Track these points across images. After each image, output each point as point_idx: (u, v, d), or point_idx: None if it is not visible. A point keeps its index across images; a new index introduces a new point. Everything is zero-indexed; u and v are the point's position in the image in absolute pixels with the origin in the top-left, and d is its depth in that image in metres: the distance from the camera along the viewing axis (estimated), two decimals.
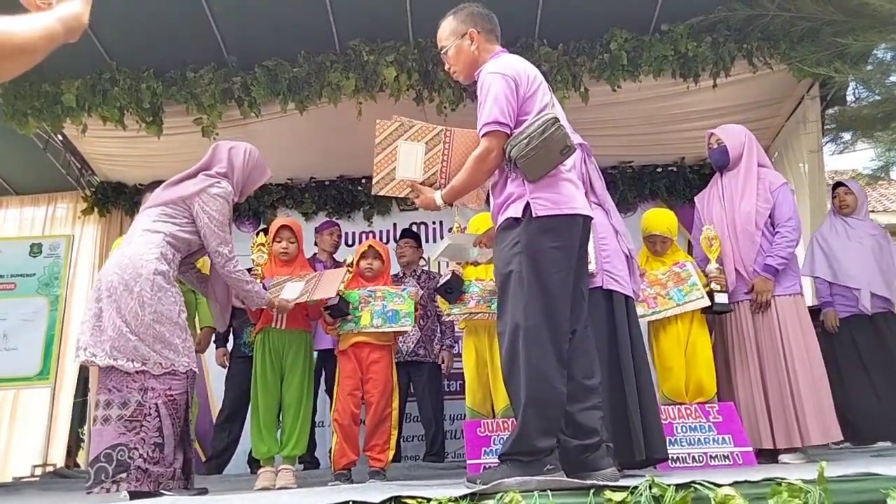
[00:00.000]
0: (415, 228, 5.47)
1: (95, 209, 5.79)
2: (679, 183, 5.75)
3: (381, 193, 2.43)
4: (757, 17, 4.17)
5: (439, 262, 5.27)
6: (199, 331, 3.99)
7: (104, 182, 5.82)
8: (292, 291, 3.07)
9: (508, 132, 2.15)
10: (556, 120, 2.12)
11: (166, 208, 2.68)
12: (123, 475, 2.30)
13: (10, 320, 5.13)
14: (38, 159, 5.35)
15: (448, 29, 2.37)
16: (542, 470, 1.95)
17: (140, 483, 2.30)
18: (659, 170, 5.84)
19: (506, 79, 2.16)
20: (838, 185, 4.19)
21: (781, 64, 4.37)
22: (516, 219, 2.12)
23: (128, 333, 2.40)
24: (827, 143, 5.00)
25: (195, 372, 2.56)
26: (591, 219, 2.25)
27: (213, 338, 4.22)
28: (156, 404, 2.39)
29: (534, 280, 2.05)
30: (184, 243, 2.68)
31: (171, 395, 2.43)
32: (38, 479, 4.72)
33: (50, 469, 4.95)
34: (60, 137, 5.28)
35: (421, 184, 2.38)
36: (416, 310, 3.19)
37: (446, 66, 2.43)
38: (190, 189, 2.70)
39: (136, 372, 2.40)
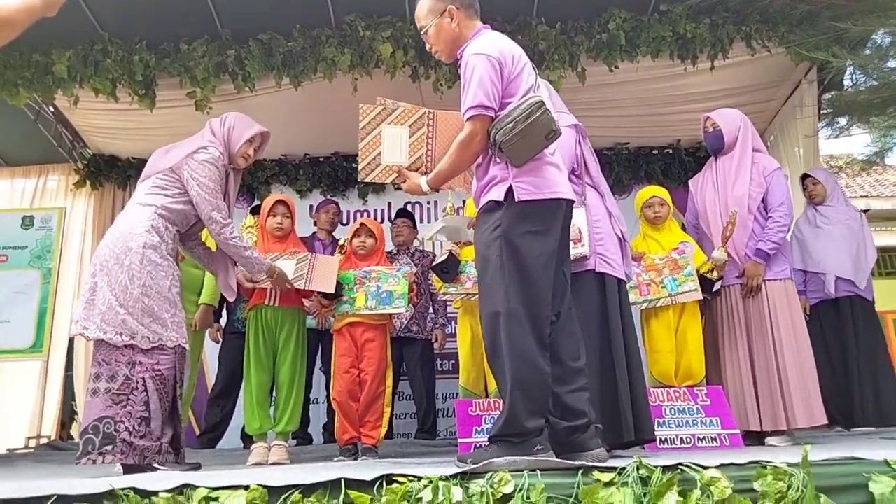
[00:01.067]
0: (409, 208, 5.46)
1: (87, 182, 5.74)
2: (675, 165, 5.76)
3: (368, 179, 2.43)
4: (756, 0, 4.14)
5: (433, 242, 5.28)
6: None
7: (97, 155, 5.77)
8: (285, 269, 3.07)
9: (493, 115, 2.12)
10: (542, 103, 2.09)
11: (157, 179, 2.66)
12: (109, 447, 2.32)
13: (2, 293, 5.14)
14: (29, 130, 5.29)
15: (426, 7, 2.29)
16: (531, 450, 1.97)
17: (125, 456, 2.33)
18: (655, 152, 5.85)
19: (490, 60, 2.11)
20: (805, 176, 4.23)
21: (780, 47, 4.35)
22: (498, 202, 2.11)
23: (117, 307, 2.41)
24: (823, 127, 5.00)
25: (184, 348, 2.55)
26: (574, 202, 2.24)
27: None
28: (143, 378, 2.40)
29: (514, 264, 2.05)
30: (178, 215, 2.66)
31: (159, 370, 2.44)
32: (32, 450, 4.75)
33: (44, 441, 4.99)
34: (52, 109, 5.22)
35: (407, 168, 2.36)
36: (410, 290, 3.19)
37: (427, 47, 2.36)
38: (178, 156, 2.67)
39: (125, 346, 2.41)
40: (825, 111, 4.93)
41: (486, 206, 2.16)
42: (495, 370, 2.11)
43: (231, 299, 3.40)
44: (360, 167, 2.41)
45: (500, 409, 2.10)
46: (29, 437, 5.05)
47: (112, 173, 5.75)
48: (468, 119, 2.13)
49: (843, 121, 5.00)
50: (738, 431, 2.98)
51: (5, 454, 4.57)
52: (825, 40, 4.00)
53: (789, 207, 3.23)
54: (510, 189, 2.09)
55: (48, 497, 1.67)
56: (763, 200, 3.23)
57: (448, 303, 4.21)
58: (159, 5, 4.17)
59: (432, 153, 2.39)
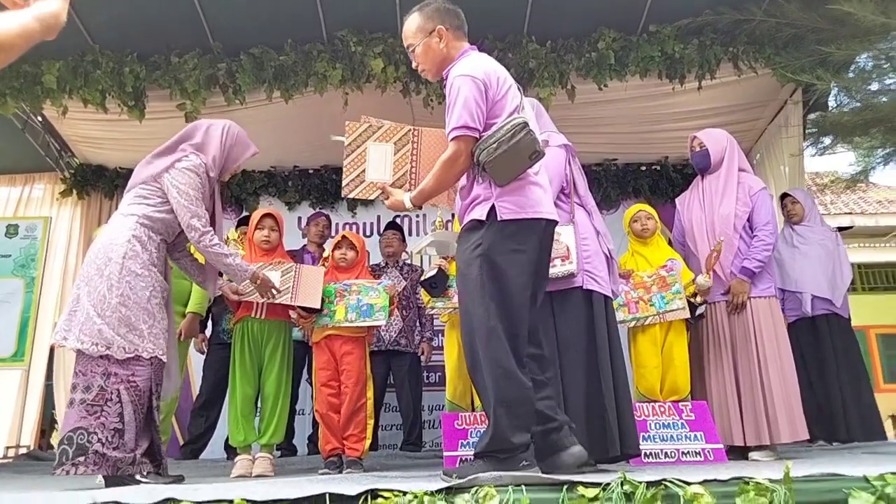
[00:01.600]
0: (398, 221, 5.47)
1: (74, 191, 5.71)
2: (662, 182, 5.83)
3: (352, 195, 2.44)
4: (744, 22, 4.22)
5: (421, 256, 5.30)
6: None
7: (84, 164, 5.74)
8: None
9: (477, 136, 2.14)
10: (526, 125, 2.11)
11: (140, 189, 2.65)
12: (82, 458, 2.30)
13: None
14: (15, 139, 5.25)
15: (415, 26, 2.30)
16: (517, 466, 1.98)
17: (98, 467, 2.31)
18: (643, 168, 5.91)
19: (475, 81, 2.13)
20: (784, 195, 4.31)
21: (766, 68, 4.44)
22: (480, 221, 2.14)
23: (94, 317, 2.40)
24: (808, 146, 5.08)
25: (161, 360, 2.52)
26: (556, 223, 2.27)
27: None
28: (117, 390, 2.39)
29: (494, 283, 2.08)
30: (160, 224, 2.63)
31: (134, 382, 2.42)
32: (10, 460, 4.69)
33: (23, 451, 4.92)
34: (40, 118, 5.20)
35: (391, 185, 2.39)
36: (391, 304, 3.17)
37: (413, 65, 2.36)
38: (160, 166, 2.66)
39: (100, 357, 2.39)
40: (810, 130, 5.02)
41: (469, 224, 2.19)
42: (477, 386, 2.13)
43: (212, 295, 3.34)
44: (343, 183, 2.44)
45: (486, 425, 2.11)
46: (8, 447, 4.97)
47: (99, 183, 5.72)
48: (452, 139, 2.14)
49: (827, 140, 5.09)
50: (721, 446, 3.00)
51: None
52: (810, 63, 4.09)
53: (774, 227, 3.28)
54: (493, 208, 2.12)
55: None
56: (748, 219, 3.27)
57: (435, 317, 4.22)
58: (151, 18, 4.19)
59: (416, 170, 2.41)
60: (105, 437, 2.34)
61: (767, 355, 3.10)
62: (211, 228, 2.68)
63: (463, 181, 2.27)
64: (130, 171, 2.85)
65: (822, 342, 4.00)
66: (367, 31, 4.36)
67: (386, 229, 4.75)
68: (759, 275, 3.21)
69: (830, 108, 4.90)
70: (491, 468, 1.93)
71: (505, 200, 2.12)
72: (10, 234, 5.28)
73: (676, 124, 5.13)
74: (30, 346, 5.00)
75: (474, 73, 2.15)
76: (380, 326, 3.42)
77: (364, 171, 2.41)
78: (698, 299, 3.29)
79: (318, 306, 3.09)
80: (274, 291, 3.00)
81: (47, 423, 5.48)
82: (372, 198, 2.48)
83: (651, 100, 4.87)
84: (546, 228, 2.20)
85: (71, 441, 2.32)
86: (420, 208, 2.35)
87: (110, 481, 2.34)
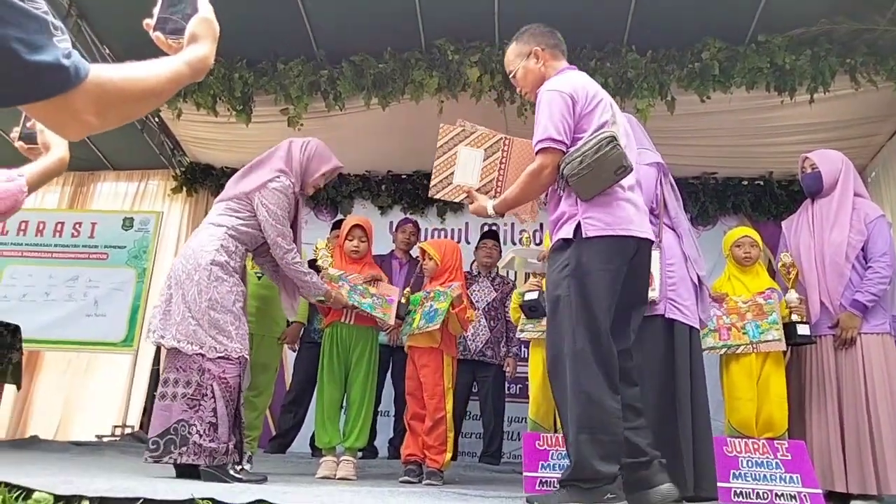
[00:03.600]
0: (484, 228, 5.45)
1: (184, 188, 6.08)
2: (765, 199, 5.52)
3: (438, 196, 2.49)
4: (864, 31, 3.94)
5: (507, 271, 5.28)
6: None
7: (193, 163, 6.10)
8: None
9: (563, 149, 2.14)
10: (613, 139, 2.08)
11: (231, 203, 2.85)
12: (184, 448, 2.49)
13: (101, 288, 5.50)
14: (134, 138, 5.64)
15: (513, 53, 2.41)
16: (602, 497, 1.92)
17: (197, 457, 2.48)
18: (744, 183, 5.62)
19: (562, 95, 2.16)
20: None
21: (887, 81, 4.12)
22: (567, 240, 2.12)
23: (189, 318, 2.58)
24: None
25: (247, 359, 2.68)
26: (651, 241, 2.21)
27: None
28: (211, 386, 2.55)
29: (582, 304, 2.04)
30: (247, 236, 2.83)
31: (225, 379, 2.57)
32: (117, 438, 5.04)
33: (128, 431, 5.28)
34: (157, 120, 5.57)
35: (477, 190, 2.41)
36: (454, 306, 3.15)
37: (518, 90, 2.46)
38: (253, 184, 2.85)
39: (195, 354, 2.57)
40: None
41: (556, 244, 2.19)
42: (561, 415, 2.09)
43: (291, 319, 3.61)
44: (431, 183, 2.49)
45: (567, 452, 2.06)
46: (115, 426, 5.35)
47: (207, 181, 6.06)
48: (538, 152, 2.17)
49: None
50: (819, 491, 2.79)
51: (95, 441, 4.86)
52: None
53: (892, 258, 3.02)
54: (579, 225, 2.10)
55: (136, 499, 1.76)
56: (863, 249, 3.04)
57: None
58: (259, 26, 4.39)
59: (503, 179, 2.43)
60: (203, 429, 2.51)
61: (878, 396, 2.86)
62: (294, 246, 2.89)
63: (551, 196, 2.27)
64: (235, 170, 3.04)
65: None
66: (465, 39, 4.39)
67: (484, 237, 4.73)
68: (873, 309, 2.98)
69: None
70: (575, 499, 1.90)
71: (591, 217, 2.10)
72: (126, 227, 5.69)
73: (783, 138, 4.86)
74: (139, 333, 5.36)
75: (561, 87, 2.19)
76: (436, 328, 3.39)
77: (452, 173, 2.45)
78: (794, 317, 3.09)
79: (391, 322, 3.23)
80: (345, 307, 3.17)
81: (148, 403, 5.85)
82: (457, 200, 2.53)
83: (757, 112, 4.63)
84: (639, 247, 2.15)
85: (176, 432, 2.52)
86: (502, 216, 2.39)
87: (204, 474, 2.48)
